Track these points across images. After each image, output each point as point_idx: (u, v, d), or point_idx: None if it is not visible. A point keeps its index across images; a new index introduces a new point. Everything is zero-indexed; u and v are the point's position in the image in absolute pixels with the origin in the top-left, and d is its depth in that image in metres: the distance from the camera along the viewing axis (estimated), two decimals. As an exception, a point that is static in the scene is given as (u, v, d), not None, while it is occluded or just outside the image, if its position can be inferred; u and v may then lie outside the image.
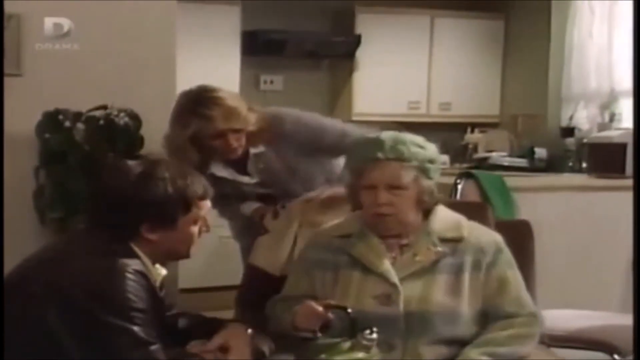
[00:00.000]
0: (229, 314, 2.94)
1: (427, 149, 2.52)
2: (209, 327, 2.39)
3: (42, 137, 3.89)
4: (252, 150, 3.04)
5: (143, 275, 2.14)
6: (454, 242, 2.46)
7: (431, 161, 2.51)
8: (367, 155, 2.47)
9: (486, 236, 2.51)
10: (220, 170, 3.04)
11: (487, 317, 2.41)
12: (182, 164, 2.37)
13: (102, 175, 2.32)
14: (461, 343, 2.37)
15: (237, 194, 3.11)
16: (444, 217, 2.52)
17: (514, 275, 2.47)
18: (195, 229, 2.28)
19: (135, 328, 2.06)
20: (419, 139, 2.53)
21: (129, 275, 2.10)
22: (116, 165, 2.34)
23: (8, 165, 3.82)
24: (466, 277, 2.41)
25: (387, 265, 2.43)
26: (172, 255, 2.31)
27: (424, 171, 2.48)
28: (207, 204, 2.31)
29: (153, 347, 2.08)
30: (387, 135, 2.50)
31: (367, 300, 2.39)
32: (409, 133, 2.56)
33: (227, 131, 2.92)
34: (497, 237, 2.51)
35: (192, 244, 2.29)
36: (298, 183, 3.09)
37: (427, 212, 2.52)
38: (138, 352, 2.06)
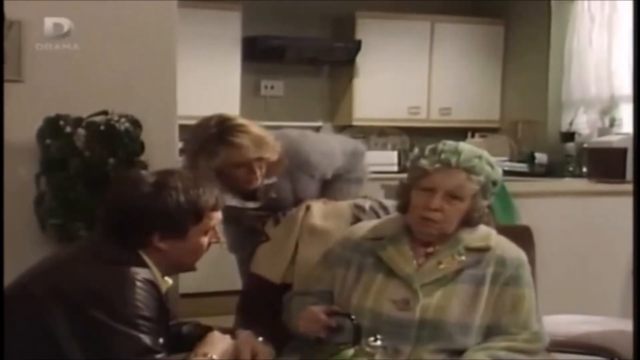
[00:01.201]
0: (229, 320, 2.95)
1: (496, 170, 2.54)
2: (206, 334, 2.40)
3: (42, 143, 3.89)
4: (265, 181, 2.99)
5: (152, 284, 2.15)
6: (480, 252, 2.47)
7: (494, 183, 2.53)
8: (440, 159, 2.47)
9: (511, 251, 2.51)
10: (229, 200, 2.91)
11: (490, 330, 2.41)
12: (195, 175, 2.37)
13: (115, 185, 2.33)
14: (463, 352, 2.37)
15: (240, 217, 3.07)
16: (475, 229, 2.53)
17: (530, 295, 2.47)
18: (205, 239, 2.29)
19: (142, 336, 2.07)
20: (491, 159, 2.54)
21: (139, 284, 2.11)
22: (129, 175, 2.35)
23: (9, 172, 3.82)
24: (485, 289, 2.42)
25: (411, 271, 2.44)
26: (178, 267, 2.32)
27: (484, 190, 2.50)
28: (219, 214, 2.32)
29: (159, 356, 2.09)
30: (465, 146, 2.52)
31: (386, 303, 2.41)
32: (483, 150, 2.56)
33: (254, 160, 2.88)
34: (522, 254, 2.52)
35: (200, 255, 2.30)
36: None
37: (463, 225, 2.52)
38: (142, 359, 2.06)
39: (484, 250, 2.47)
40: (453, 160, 2.45)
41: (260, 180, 2.93)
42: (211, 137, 2.87)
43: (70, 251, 2.36)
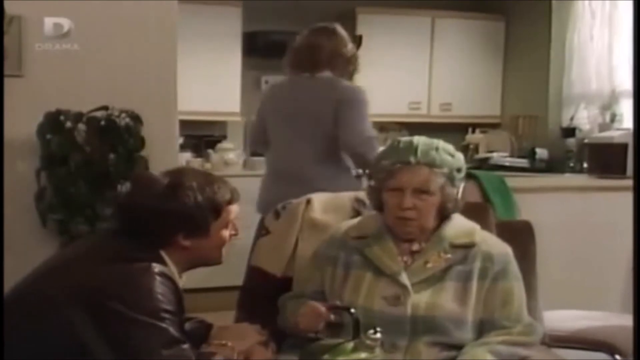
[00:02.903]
0: (230, 315, 2.95)
1: (456, 157, 2.53)
2: (208, 331, 2.43)
3: (43, 138, 3.90)
4: None
5: (170, 279, 2.18)
6: (465, 248, 2.47)
7: (458, 170, 2.53)
8: (399, 158, 2.47)
9: (497, 246, 2.51)
10: None
11: (484, 326, 2.42)
12: (206, 172, 2.40)
13: (130, 190, 2.36)
14: (459, 347, 2.38)
15: None
16: (458, 224, 2.53)
17: (519, 289, 2.48)
18: (226, 232, 2.33)
19: (169, 328, 2.10)
20: (449, 147, 2.54)
21: (158, 278, 2.14)
22: (143, 178, 2.37)
23: (9, 168, 3.83)
24: (474, 284, 2.43)
25: (398, 268, 2.45)
26: (205, 261, 2.35)
27: (451, 179, 2.49)
28: (236, 207, 2.35)
29: (185, 346, 2.12)
30: (420, 140, 2.50)
31: (377, 300, 2.41)
32: (439, 140, 2.56)
33: None
34: (508, 249, 2.52)
35: (224, 248, 2.34)
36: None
37: (442, 219, 2.53)
38: (171, 350, 2.08)
39: (470, 246, 2.48)
40: (411, 157, 2.46)
41: None
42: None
43: (84, 251, 2.34)
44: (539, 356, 2.47)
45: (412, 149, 2.47)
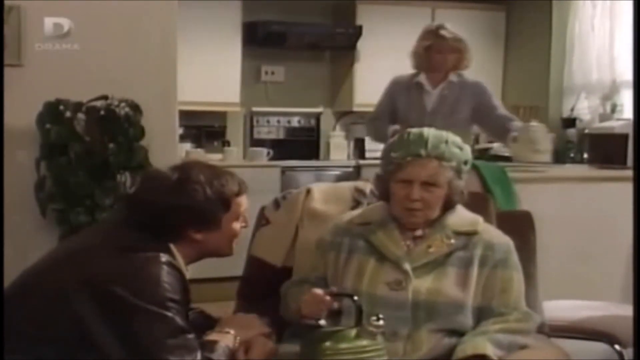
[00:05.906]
0: (230, 305, 2.95)
1: (464, 150, 2.56)
2: (210, 323, 2.43)
3: (42, 128, 3.89)
4: (450, 77, 4.83)
5: (177, 269, 2.19)
6: (468, 235, 2.50)
7: (465, 163, 2.55)
8: (410, 151, 2.49)
9: (499, 237, 2.54)
10: (423, 78, 4.91)
11: (481, 312, 2.44)
12: (213, 166, 2.40)
13: (140, 186, 2.38)
14: (459, 334, 2.40)
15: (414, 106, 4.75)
16: (461, 214, 2.56)
17: (519, 279, 2.50)
18: (237, 225, 2.35)
19: (175, 317, 2.11)
20: (457, 140, 2.56)
21: (166, 268, 2.15)
22: (152, 174, 2.39)
23: (9, 157, 3.82)
24: (474, 270, 2.45)
25: (401, 253, 2.48)
26: (216, 253, 2.37)
27: (458, 172, 2.52)
28: (245, 199, 2.36)
29: (190, 336, 2.13)
30: (430, 132, 2.53)
31: (380, 285, 2.44)
32: (448, 132, 2.57)
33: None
34: (509, 241, 2.54)
35: (234, 240, 2.36)
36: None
37: (446, 209, 2.55)
38: (176, 340, 2.09)
39: (472, 234, 2.50)
40: (422, 150, 2.48)
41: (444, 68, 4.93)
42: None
43: (92, 241, 2.33)
44: (538, 345, 2.48)
45: (423, 141, 2.49)
